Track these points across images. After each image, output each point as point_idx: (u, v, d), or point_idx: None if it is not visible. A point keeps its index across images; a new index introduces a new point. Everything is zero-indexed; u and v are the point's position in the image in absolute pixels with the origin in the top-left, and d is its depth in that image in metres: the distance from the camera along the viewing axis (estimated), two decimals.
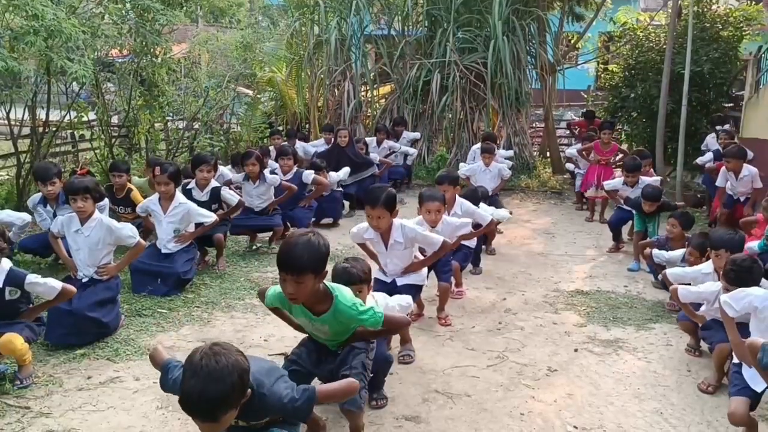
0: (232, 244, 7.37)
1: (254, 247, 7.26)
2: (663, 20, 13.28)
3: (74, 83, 8.59)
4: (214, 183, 6.64)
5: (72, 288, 4.27)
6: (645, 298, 5.96)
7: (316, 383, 3.17)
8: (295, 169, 7.95)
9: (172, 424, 3.61)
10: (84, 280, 4.83)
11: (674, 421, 3.79)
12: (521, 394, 4.07)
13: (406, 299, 4.10)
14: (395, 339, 4.59)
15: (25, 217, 5.77)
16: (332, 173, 8.46)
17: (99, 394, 3.92)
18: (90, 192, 4.84)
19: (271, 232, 7.40)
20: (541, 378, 4.32)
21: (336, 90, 13.03)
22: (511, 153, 10.71)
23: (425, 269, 4.81)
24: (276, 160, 8.19)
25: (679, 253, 5.59)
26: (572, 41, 14.61)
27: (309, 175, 7.85)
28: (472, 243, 6.00)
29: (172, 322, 5.08)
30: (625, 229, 7.83)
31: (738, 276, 3.89)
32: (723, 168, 7.91)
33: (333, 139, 10.04)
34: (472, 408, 3.88)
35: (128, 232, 4.96)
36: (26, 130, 8.17)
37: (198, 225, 6.03)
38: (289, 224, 7.68)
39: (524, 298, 5.93)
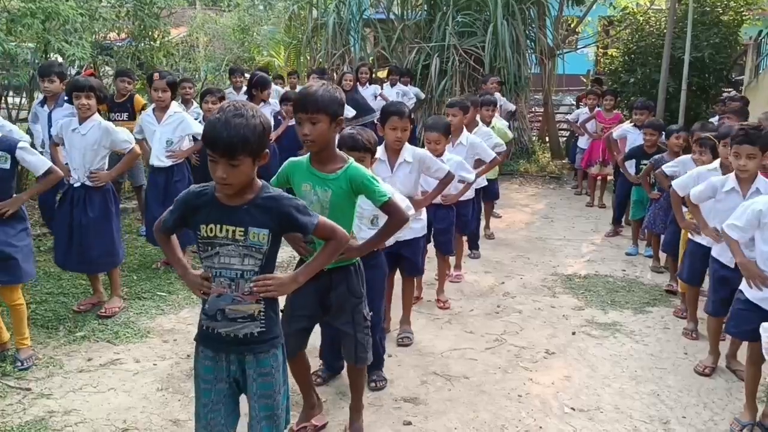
0: None
1: None
2: (663, 4, 13.23)
3: (71, 67, 8.55)
4: None
5: (59, 171, 4.26)
6: (643, 282, 5.99)
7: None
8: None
9: (172, 405, 3.63)
10: (76, 185, 4.75)
11: (671, 402, 3.82)
12: (519, 377, 4.10)
13: (406, 200, 3.67)
14: (394, 320, 4.62)
15: (26, 137, 5.62)
16: None
17: (99, 376, 3.94)
18: (95, 91, 4.72)
19: None
20: (539, 360, 4.35)
21: (335, 74, 12.98)
22: (513, 107, 10.48)
23: (425, 216, 4.60)
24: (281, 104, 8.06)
25: (686, 157, 5.44)
26: (572, 25, 14.54)
27: None
28: (469, 194, 5.67)
29: (171, 305, 5.10)
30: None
31: (747, 134, 3.76)
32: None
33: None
34: (470, 390, 3.91)
35: (124, 136, 4.87)
36: (24, 114, 8.14)
37: (195, 141, 5.95)
38: None
39: (522, 281, 5.95)
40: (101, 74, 9.27)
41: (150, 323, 4.75)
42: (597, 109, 9.39)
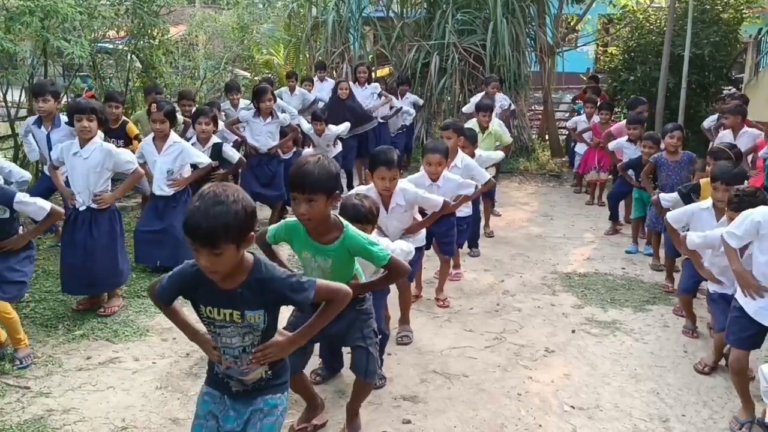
0: None
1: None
2: (663, 2, 13.21)
3: (71, 65, 8.56)
4: (215, 139, 6.52)
5: (60, 210, 4.24)
6: (642, 280, 5.98)
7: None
8: (294, 149, 7.89)
9: (171, 404, 3.63)
10: (81, 209, 4.76)
11: (670, 401, 3.82)
12: (519, 375, 4.10)
13: (407, 245, 3.90)
14: (394, 319, 4.61)
15: (27, 175, 5.67)
16: (332, 126, 8.28)
17: (98, 375, 3.94)
18: (96, 113, 4.73)
19: (269, 217, 7.40)
20: (538, 359, 4.34)
21: (334, 72, 12.97)
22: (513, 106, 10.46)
23: (424, 231, 4.72)
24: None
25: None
26: (572, 23, 14.52)
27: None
28: (467, 211, 5.79)
29: None
30: (621, 213, 7.85)
31: (741, 201, 3.80)
32: (721, 131, 7.78)
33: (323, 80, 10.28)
34: (470, 388, 3.91)
35: (127, 157, 4.89)
36: (23, 112, 8.14)
37: (194, 168, 5.94)
38: (289, 208, 7.65)
39: (522, 280, 5.95)
40: (100, 72, 9.28)
41: (149, 322, 4.74)
42: (594, 120, 9.42)
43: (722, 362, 4.21)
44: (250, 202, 2.26)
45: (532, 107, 14.89)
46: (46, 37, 6.52)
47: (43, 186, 5.98)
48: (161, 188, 5.72)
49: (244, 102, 8.50)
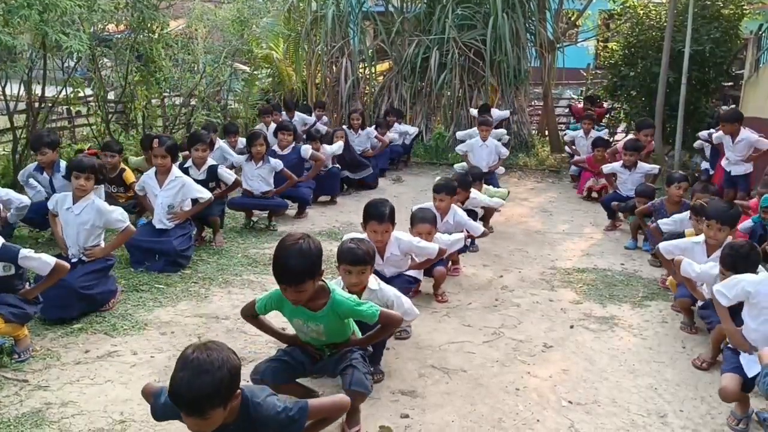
0: (229, 220, 7.36)
1: (251, 223, 7.25)
2: None
3: (70, 58, 8.53)
4: (210, 161, 6.66)
5: (65, 264, 4.21)
6: (641, 275, 5.99)
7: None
8: (293, 144, 7.95)
9: None
10: (73, 260, 4.78)
11: (668, 396, 3.82)
12: (517, 370, 4.10)
13: (409, 303, 4.03)
14: None
15: (25, 200, 5.72)
16: (326, 146, 8.42)
17: (97, 368, 3.94)
18: (95, 172, 4.86)
19: (267, 216, 7.43)
20: (536, 354, 4.34)
21: (334, 67, 12.95)
22: (503, 131, 10.57)
23: None
24: (275, 135, 8.19)
25: (684, 215, 5.56)
26: (572, 18, 14.50)
27: (307, 150, 7.84)
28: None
29: (169, 297, 5.10)
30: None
31: (734, 261, 3.89)
32: (720, 132, 7.81)
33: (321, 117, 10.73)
34: (468, 383, 3.91)
35: (118, 216, 4.92)
36: (22, 106, 8.12)
37: (194, 202, 5.98)
38: (289, 201, 7.66)
39: (521, 275, 5.95)
40: (99, 66, 9.25)
41: (147, 315, 4.74)
42: (589, 141, 9.59)
43: (720, 357, 4.21)
44: (234, 362, 2.29)
45: (532, 102, 14.88)
46: (45, 30, 6.50)
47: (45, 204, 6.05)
48: (162, 222, 5.78)
49: (243, 141, 8.60)
